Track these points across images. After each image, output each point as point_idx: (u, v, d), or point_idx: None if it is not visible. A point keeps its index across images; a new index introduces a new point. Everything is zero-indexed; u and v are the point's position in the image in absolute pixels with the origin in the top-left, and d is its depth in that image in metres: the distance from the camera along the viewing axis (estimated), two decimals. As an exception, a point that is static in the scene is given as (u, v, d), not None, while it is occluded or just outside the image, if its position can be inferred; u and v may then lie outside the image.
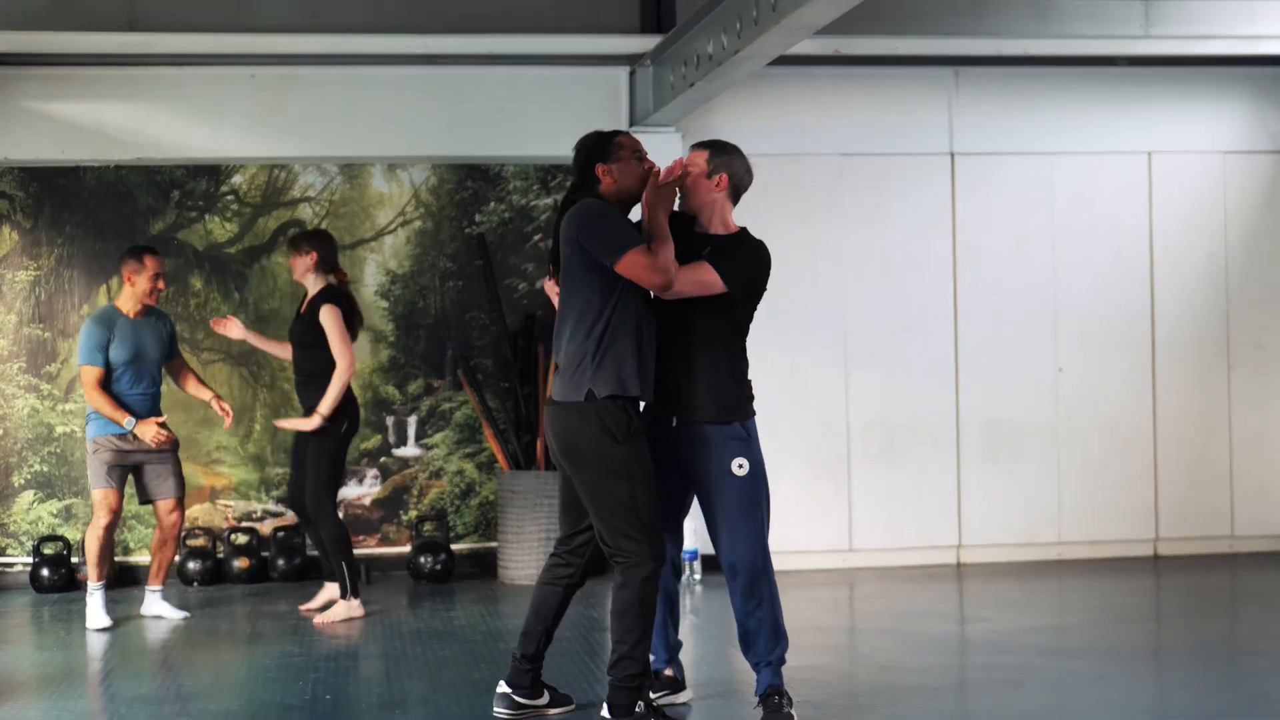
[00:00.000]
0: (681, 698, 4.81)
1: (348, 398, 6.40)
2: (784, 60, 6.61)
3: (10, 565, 7.53)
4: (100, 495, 6.43)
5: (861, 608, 6.82)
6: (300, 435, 6.46)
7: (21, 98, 7.29)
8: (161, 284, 6.48)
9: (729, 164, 4.63)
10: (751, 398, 4.62)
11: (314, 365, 6.37)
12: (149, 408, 6.47)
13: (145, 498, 6.56)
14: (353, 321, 6.45)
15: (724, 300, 4.49)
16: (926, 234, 7.86)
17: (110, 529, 6.46)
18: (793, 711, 4.54)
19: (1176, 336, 8.01)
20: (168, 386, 6.80)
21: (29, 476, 7.54)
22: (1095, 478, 7.92)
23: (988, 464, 7.86)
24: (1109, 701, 4.85)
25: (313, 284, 6.45)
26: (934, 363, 7.85)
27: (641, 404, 4.43)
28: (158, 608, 6.55)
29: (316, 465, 6.32)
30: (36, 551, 7.40)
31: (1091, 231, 7.96)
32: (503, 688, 4.63)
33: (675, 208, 4.57)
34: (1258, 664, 5.49)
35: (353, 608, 6.32)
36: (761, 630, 4.54)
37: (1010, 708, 4.76)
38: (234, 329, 6.67)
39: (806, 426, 7.74)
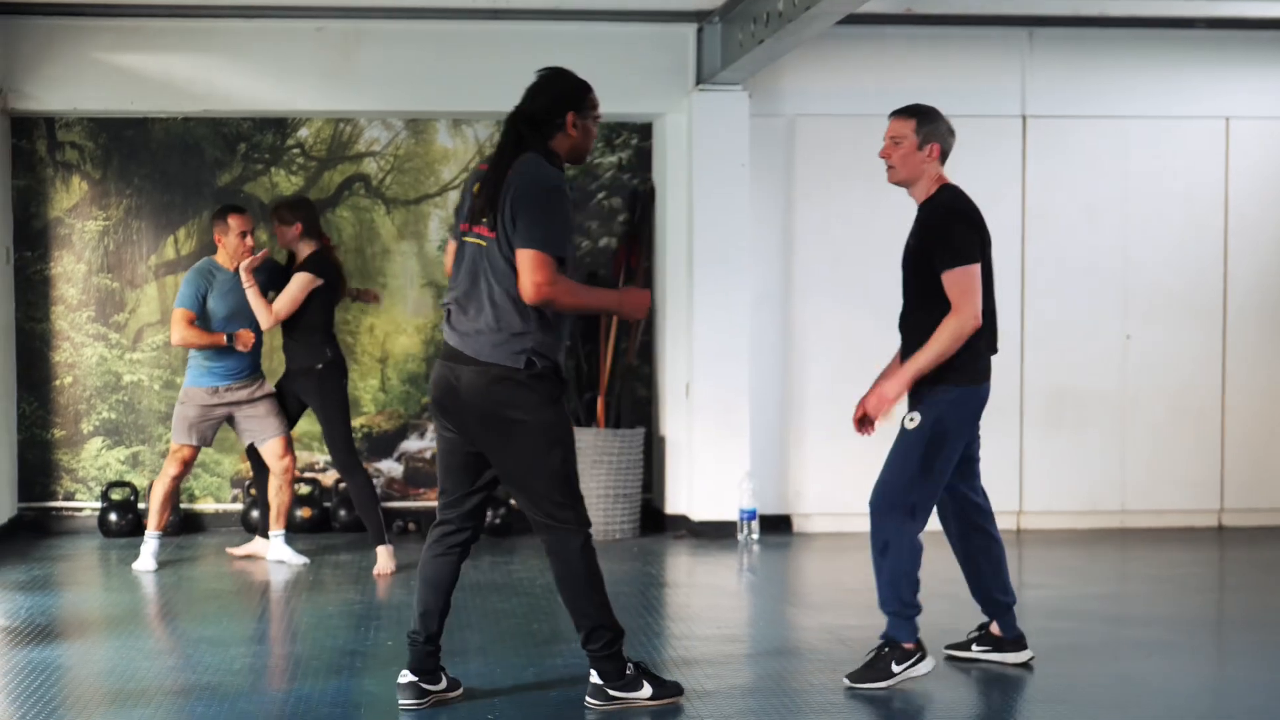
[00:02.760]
0: (1012, 658, 4.72)
1: (322, 354, 6.44)
2: (854, 19, 6.52)
3: (79, 510, 7.68)
4: (175, 448, 6.56)
5: (919, 572, 6.77)
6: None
7: (91, 49, 7.36)
8: (250, 240, 6.52)
9: (937, 130, 4.57)
10: (973, 363, 4.70)
11: (294, 322, 6.43)
12: (250, 361, 6.56)
13: (250, 445, 6.66)
14: (337, 286, 6.52)
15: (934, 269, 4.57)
16: (996, 198, 7.71)
17: (177, 480, 6.57)
18: (899, 670, 4.47)
19: (1249, 306, 7.85)
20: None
21: (97, 424, 7.67)
22: (1161, 446, 7.80)
23: (1052, 431, 7.76)
24: (1167, 670, 4.79)
25: (303, 249, 6.53)
26: (1000, 328, 7.70)
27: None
28: (279, 552, 6.63)
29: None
30: (104, 497, 7.54)
31: (1165, 198, 7.80)
32: (407, 676, 4.22)
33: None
34: (1324, 638, 5.40)
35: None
36: (881, 577, 4.53)
37: (1067, 673, 4.72)
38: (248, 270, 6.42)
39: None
